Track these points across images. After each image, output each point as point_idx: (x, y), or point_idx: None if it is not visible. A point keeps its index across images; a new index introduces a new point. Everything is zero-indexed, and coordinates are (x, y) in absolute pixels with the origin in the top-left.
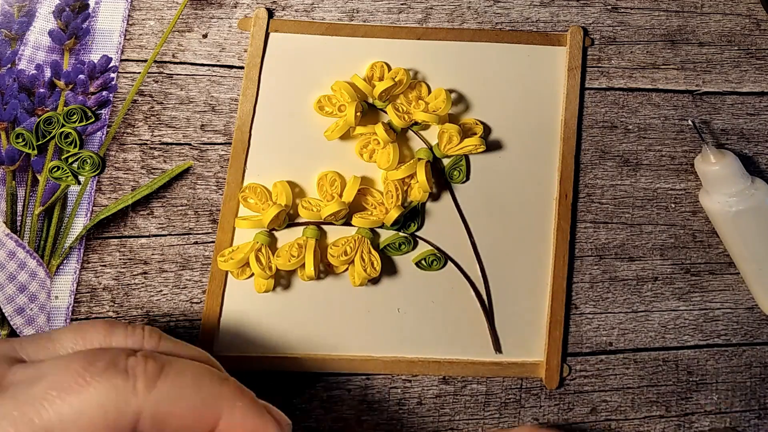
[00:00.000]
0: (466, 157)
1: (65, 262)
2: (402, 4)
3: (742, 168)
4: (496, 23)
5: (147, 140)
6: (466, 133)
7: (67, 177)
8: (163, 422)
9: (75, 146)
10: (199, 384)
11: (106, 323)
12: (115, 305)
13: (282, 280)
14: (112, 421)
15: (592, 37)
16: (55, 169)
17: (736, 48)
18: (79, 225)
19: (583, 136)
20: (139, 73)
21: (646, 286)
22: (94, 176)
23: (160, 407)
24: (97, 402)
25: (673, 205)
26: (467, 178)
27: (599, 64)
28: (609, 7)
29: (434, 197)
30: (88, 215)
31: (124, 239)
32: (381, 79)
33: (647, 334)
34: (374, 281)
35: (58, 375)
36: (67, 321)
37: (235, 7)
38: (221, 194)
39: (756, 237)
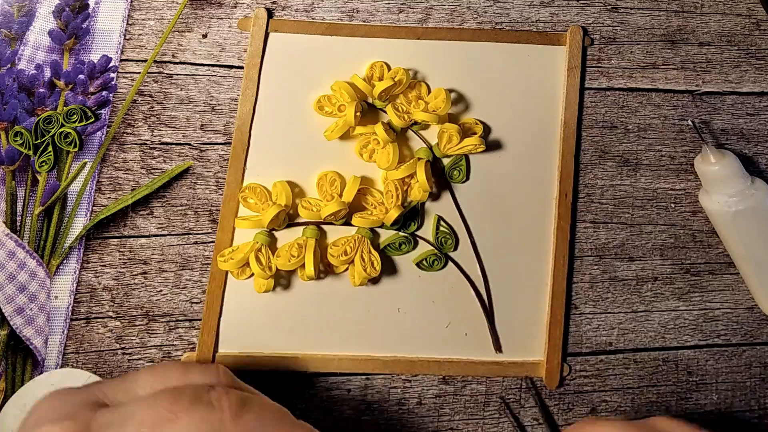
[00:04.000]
0: (466, 156)
1: (65, 262)
2: (402, 4)
3: (741, 168)
4: (496, 23)
5: (147, 140)
6: (465, 132)
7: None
8: None
9: (74, 146)
10: (281, 421)
11: (180, 363)
12: (115, 305)
13: (282, 280)
14: None
15: (591, 36)
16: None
17: (736, 48)
18: (78, 225)
19: (583, 136)
20: (139, 73)
21: (646, 286)
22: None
23: None
24: None
25: (673, 205)
26: (467, 178)
27: (599, 64)
28: (609, 7)
29: (434, 197)
30: (88, 215)
31: (123, 239)
32: (381, 78)
33: (647, 334)
34: (374, 281)
35: (146, 413)
36: (67, 321)
37: (235, 7)
38: (221, 194)
39: (756, 237)
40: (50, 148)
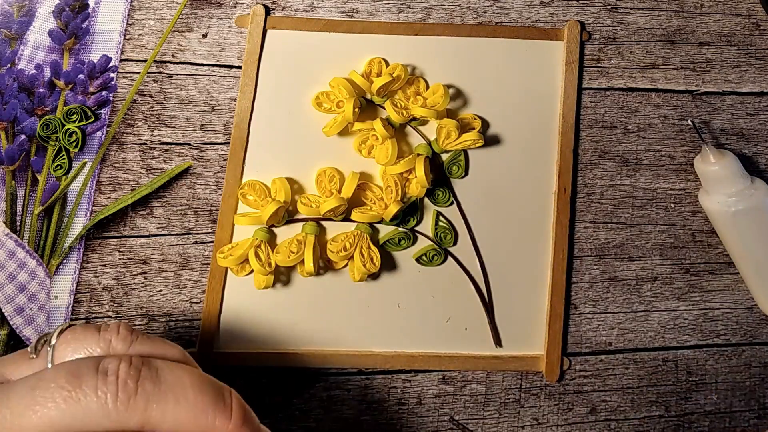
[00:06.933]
0: (465, 152)
1: (65, 261)
2: (402, 4)
3: (741, 168)
4: (496, 23)
5: (147, 140)
6: (464, 128)
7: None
8: None
9: (76, 146)
10: (196, 401)
11: (77, 329)
12: (115, 305)
13: (282, 276)
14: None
15: (589, 31)
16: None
17: (735, 48)
18: (78, 225)
19: (583, 136)
20: (139, 73)
21: (645, 286)
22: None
23: (151, 422)
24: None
25: (672, 205)
26: (466, 173)
27: (599, 64)
28: (609, 7)
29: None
30: (88, 215)
31: (123, 239)
32: (379, 74)
33: (647, 334)
34: (374, 276)
35: (19, 399)
36: (67, 321)
37: (235, 6)
38: (221, 194)
39: (755, 237)
40: (63, 153)
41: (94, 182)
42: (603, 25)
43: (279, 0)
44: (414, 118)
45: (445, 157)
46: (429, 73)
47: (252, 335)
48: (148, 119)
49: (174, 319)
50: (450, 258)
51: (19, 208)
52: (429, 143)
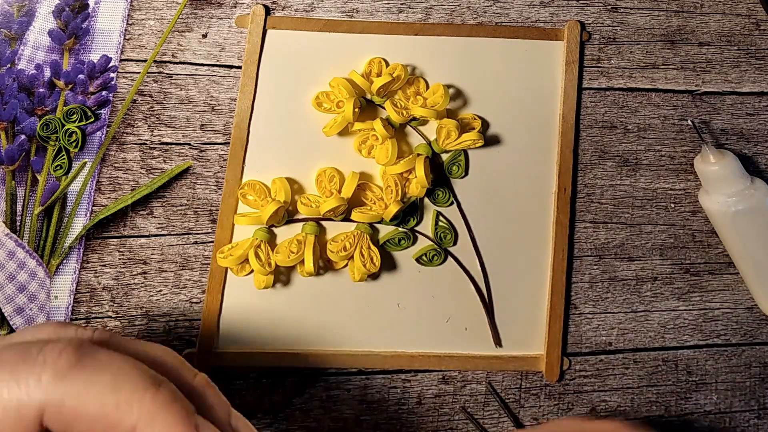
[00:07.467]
0: (465, 152)
1: (65, 261)
2: (402, 4)
3: (741, 168)
4: (496, 23)
5: (147, 140)
6: (464, 127)
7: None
8: (71, 420)
9: (76, 146)
10: (119, 385)
11: (57, 323)
12: (115, 305)
13: (281, 276)
14: (13, 410)
15: (589, 31)
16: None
17: (735, 48)
18: (78, 225)
19: (583, 136)
20: (139, 73)
21: (645, 286)
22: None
23: (67, 402)
24: None
25: (672, 205)
26: (466, 173)
27: (599, 64)
28: (609, 7)
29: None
30: (88, 215)
31: (123, 239)
32: (379, 74)
33: (647, 334)
34: (374, 276)
35: None
36: (67, 321)
37: (235, 6)
38: (221, 194)
39: (755, 237)
40: (63, 153)
41: (94, 182)
42: (603, 25)
43: (279, 0)
44: (414, 118)
45: (445, 157)
46: (429, 73)
47: (252, 335)
48: (148, 119)
49: (174, 319)
50: (450, 258)
51: (19, 208)
52: (429, 143)
